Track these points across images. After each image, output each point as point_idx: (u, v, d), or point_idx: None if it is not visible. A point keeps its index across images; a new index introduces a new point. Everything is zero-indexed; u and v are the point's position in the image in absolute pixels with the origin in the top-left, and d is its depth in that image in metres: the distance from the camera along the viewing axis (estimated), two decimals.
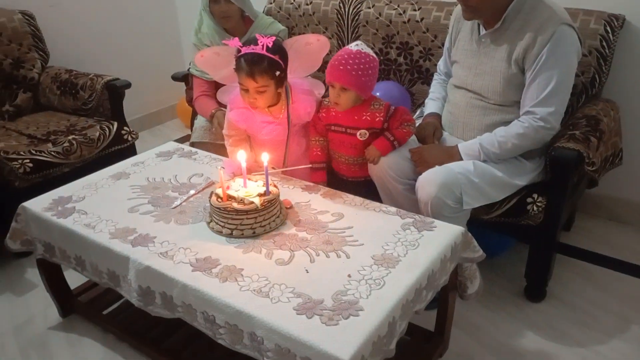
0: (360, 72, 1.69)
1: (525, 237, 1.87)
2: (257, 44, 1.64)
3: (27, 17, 2.65)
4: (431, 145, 1.84)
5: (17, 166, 2.11)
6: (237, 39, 1.69)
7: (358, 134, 1.79)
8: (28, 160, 2.15)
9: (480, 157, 1.73)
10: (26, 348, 1.79)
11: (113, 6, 3.22)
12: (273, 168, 1.78)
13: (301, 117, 1.85)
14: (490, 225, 1.83)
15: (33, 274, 1.99)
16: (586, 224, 2.32)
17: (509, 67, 1.69)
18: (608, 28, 1.93)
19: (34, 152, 2.19)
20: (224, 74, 1.80)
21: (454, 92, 1.92)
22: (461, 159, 1.74)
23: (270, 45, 1.64)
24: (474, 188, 1.68)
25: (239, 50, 1.68)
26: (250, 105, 1.76)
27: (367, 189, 1.83)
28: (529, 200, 1.75)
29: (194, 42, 2.39)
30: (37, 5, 2.75)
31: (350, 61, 1.69)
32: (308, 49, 1.79)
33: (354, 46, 1.73)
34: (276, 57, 1.66)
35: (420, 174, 1.71)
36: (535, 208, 1.73)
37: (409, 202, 1.74)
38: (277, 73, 1.67)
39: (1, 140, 2.23)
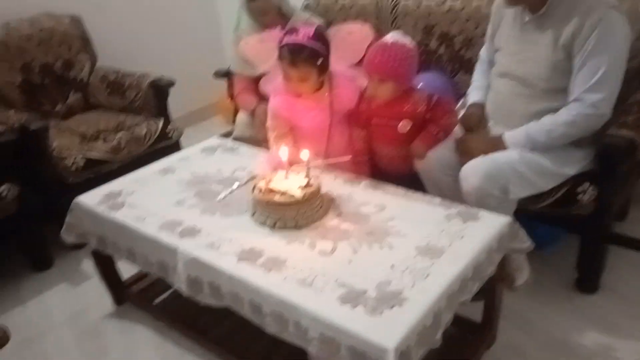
0: (396, 64, 1.67)
1: (576, 228, 1.81)
2: (298, 33, 1.65)
3: (75, 20, 2.76)
4: (476, 135, 1.81)
5: (70, 164, 2.20)
6: (278, 28, 1.71)
7: (400, 125, 1.76)
8: (80, 158, 2.24)
9: (527, 146, 1.68)
10: (81, 336, 1.87)
11: (156, 7, 3.31)
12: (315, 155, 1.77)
13: (344, 104, 1.83)
14: (539, 216, 1.78)
15: (88, 265, 2.08)
16: None
17: (555, 52, 1.64)
18: None
19: (85, 149, 2.28)
20: (268, 62, 1.80)
21: (498, 80, 1.87)
22: (506, 149, 1.70)
23: (311, 35, 1.64)
24: (520, 178, 1.63)
25: (280, 41, 1.69)
26: (293, 94, 1.76)
27: (410, 184, 1.81)
28: (580, 189, 1.69)
29: (234, 40, 2.43)
30: (84, 9, 2.85)
31: (386, 53, 1.68)
32: (351, 38, 1.78)
33: (390, 37, 1.71)
34: (318, 45, 1.66)
35: (464, 164, 1.68)
36: (586, 197, 1.67)
37: (457, 194, 1.70)
38: (319, 61, 1.67)
39: (55, 139, 2.32)
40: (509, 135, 1.71)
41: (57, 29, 2.67)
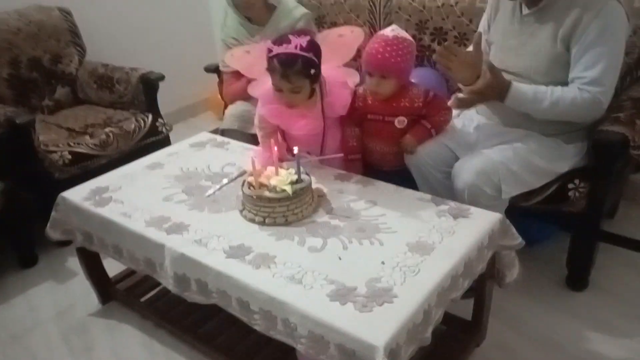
0: (399, 59, 1.64)
1: (566, 224, 1.81)
2: (289, 42, 1.56)
3: (64, 13, 2.72)
4: (496, 80, 1.59)
5: (57, 158, 2.17)
6: (268, 41, 1.62)
7: (396, 121, 1.74)
8: (67, 153, 2.21)
9: (527, 106, 1.60)
10: (68, 333, 1.84)
11: (145, 1, 3.27)
12: (308, 153, 1.75)
13: (336, 111, 1.78)
14: (530, 213, 1.77)
15: (74, 263, 2.05)
16: (631, 211, 2.23)
17: (555, 45, 1.61)
18: None
19: (72, 144, 2.25)
20: (255, 71, 1.74)
21: None
22: (503, 99, 1.60)
23: (304, 45, 1.56)
24: (512, 176, 1.62)
25: (270, 51, 1.60)
26: (285, 105, 1.68)
27: (402, 180, 1.79)
28: (571, 186, 1.68)
29: (222, 37, 2.41)
30: (74, 1, 2.81)
31: (388, 48, 1.64)
32: (341, 41, 1.75)
33: (390, 31, 1.67)
34: (310, 55, 1.57)
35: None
36: (577, 194, 1.67)
37: (447, 191, 1.69)
38: (312, 71, 1.59)
39: (41, 133, 2.28)
40: (516, 87, 1.59)
41: (46, 21, 2.63)
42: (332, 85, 1.73)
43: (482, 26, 1.91)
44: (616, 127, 1.60)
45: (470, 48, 1.95)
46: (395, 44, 1.64)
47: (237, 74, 2.41)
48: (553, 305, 1.79)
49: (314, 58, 1.59)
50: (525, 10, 1.68)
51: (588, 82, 1.56)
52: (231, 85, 2.42)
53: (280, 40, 1.58)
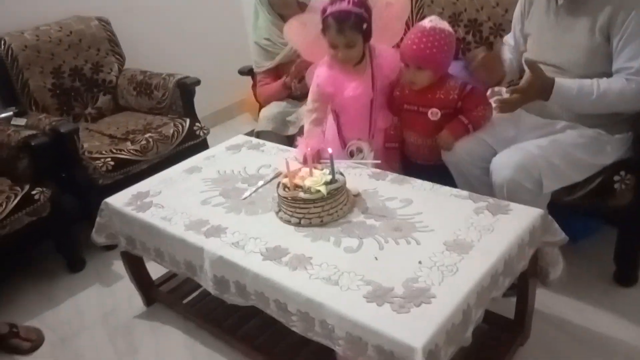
0: (435, 50, 1.64)
1: (613, 219, 1.74)
2: (342, 1, 1.66)
3: (103, 22, 2.80)
4: (538, 79, 1.55)
5: (100, 165, 2.24)
6: (327, 3, 1.72)
7: (429, 112, 1.73)
8: (110, 159, 2.28)
9: (572, 102, 1.55)
10: (114, 335, 1.90)
11: (181, 8, 3.33)
12: (359, 139, 1.82)
13: (386, 74, 1.82)
14: (573, 208, 1.71)
15: (119, 266, 2.11)
16: None
17: (593, 37, 1.56)
18: None
19: (114, 150, 2.32)
20: (312, 45, 1.83)
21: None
22: (547, 98, 1.55)
23: (355, 1, 1.66)
24: (553, 170, 1.57)
25: (324, 12, 1.70)
26: (341, 62, 1.77)
27: (438, 175, 1.77)
28: (616, 178, 1.62)
29: (254, 39, 2.45)
30: (111, 11, 2.89)
31: (424, 39, 1.64)
32: (389, 11, 1.78)
33: (428, 22, 1.67)
34: (362, 11, 1.67)
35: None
36: (623, 187, 1.60)
37: (486, 187, 1.65)
38: (364, 26, 1.68)
39: (85, 141, 2.37)
40: (560, 84, 1.54)
41: (85, 31, 2.72)
42: (380, 49, 1.80)
43: (516, 17, 1.86)
44: None
45: (508, 38, 1.91)
46: (432, 34, 1.64)
47: (271, 75, 2.44)
48: (600, 302, 1.73)
49: (365, 14, 1.68)
50: (560, 1, 1.62)
51: (635, 72, 1.50)
52: (265, 85, 2.45)
53: (333, 0, 1.69)
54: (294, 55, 2.30)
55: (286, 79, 2.35)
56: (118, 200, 1.76)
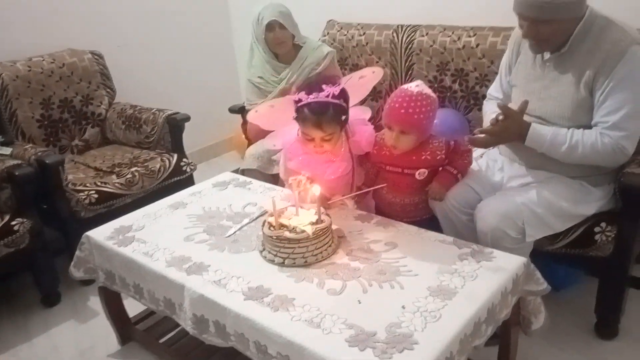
0: (422, 116, 1.58)
1: (594, 269, 1.75)
2: (319, 91, 1.56)
3: (96, 56, 2.82)
4: (516, 119, 1.63)
5: (84, 197, 2.21)
6: (297, 93, 1.63)
7: (417, 173, 1.69)
8: (94, 192, 2.25)
9: (545, 149, 1.61)
10: None
11: (175, 44, 3.39)
12: (342, 200, 1.74)
13: (363, 149, 1.76)
14: (556, 257, 1.73)
15: (95, 302, 2.06)
16: None
17: (578, 90, 1.61)
18: None
19: (99, 183, 2.30)
20: (280, 125, 1.74)
21: None
22: (523, 140, 1.62)
23: (335, 93, 1.57)
24: (536, 219, 1.60)
25: (299, 101, 1.59)
26: (316, 153, 1.67)
27: (421, 225, 1.73)
28: (597, 229, 1.64)
29: (248, 77, 2.49)
30: (106, 45, 2.93)
31: (412, 104, 1.58)
32: (362, 81, 1.78)
33: (415, 87, 1.61)
34: (340, 102, 1.58)
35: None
36: (603, 238, 1.63)
37: (472, 233, 1.66)
38: (343, 117, 1.60)
39: (70, 172, 2.35)
40: (534, 129, 1.61)
41: (78, 64, 2.74)
42: (354, 125, 1.72)
43: (502, 67, 1.91)
44: None
45: (492, 90, 1.96)
46: (419, 100, 1.58)
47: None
48: (582, 354, 1.72)
49: (344, 104, 1.60)
50: (547, 55, 1.68)
51: (609, 127, 1.55)
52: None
53: (310, 88, 1.59)
54: (286, 93, 2.35)
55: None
56: (100, 233, 1.74)
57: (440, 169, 1.73)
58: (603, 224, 1.64)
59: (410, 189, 1.74)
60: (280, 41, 2.36)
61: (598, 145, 1.56)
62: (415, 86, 1.62)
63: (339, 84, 1.61)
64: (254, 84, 2.46)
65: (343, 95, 1.61)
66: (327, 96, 1.56)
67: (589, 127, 1.60)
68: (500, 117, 1.63)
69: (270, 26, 2.32)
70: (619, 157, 1.58)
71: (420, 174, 1.70)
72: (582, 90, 1.60)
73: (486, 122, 1.83)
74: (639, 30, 1.60)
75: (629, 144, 1.56)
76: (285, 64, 2.41)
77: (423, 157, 1.69)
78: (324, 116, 1.56)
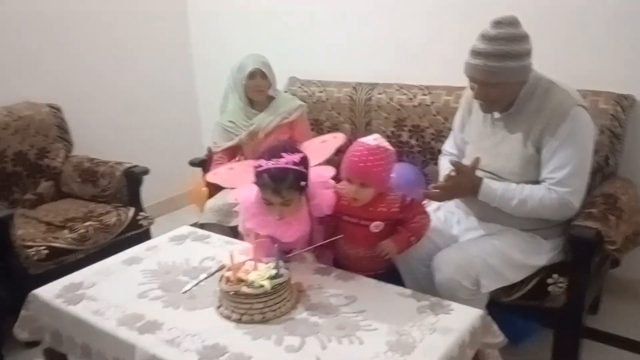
0: (380, 168, 1.62)
1: (549, 321, 1.78)
2: (279, 157, 1.56)
3: (54, 109, 2.78)
4: (468, 174, 1.69)
5: (33, 253, 2.13)
6: (255, 160, 1.63)
7: (372, 225, 1.69)
8: (44, 247, 2.17)
9: (496, 203, 1.67)
10: None
11: (136, 96, 3.38)
12: (301, 254, 1.73)
13: (323, 211, 1.74)
14: (512, 309, 1.75)
15: None
16: (614, 307, 2.21)
17: (526, 148, 1.68)
18: (618, 107, 1.95)
19: (50, 239, 2.22)
20: (238, 186, 1.74)
21: None
22: (476, 194, 1.68)
23: (295, 160, 1.57)
24: (490, 270, 1.63)
25: (258, 166, 1.58)
26: (277, 218, 1.64)
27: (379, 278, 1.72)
28: (550, 280, 1.68)
29: (219, 120, 2.56)
30: (64, 98, 2.89)
31: (371, 157, 1.61)
32: (323, 145, 1.82)
33: (372, 140, 1.65)
34: (301, 168, 1.58)
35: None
36: (556, 289, 1.67)
37: (432, 285, 1.68)
38: (302, 183, 1.59)
39: (20, 227, 2.25)
40: (486, 184, 1.67)
41: (34, 117, 2.69)
42: (315, 187, 1.70)
43: (456, 124, 1.99)
44: (590, 222, 1.64)
45: (447, 146, 2.02)
46: (377, 152, 1.61)
47: (228, 154, 2.50)
48: None
49: (304, 170, 1.60)
50: (497, 115, 1.76)
51: (556, 183, 1.62)
52: (220, 165, 2.46)
53: (269, 154, 1.58)
54: (254, 136, 2.42)
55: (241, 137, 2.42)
56: (47, 291, 1.66)
57: (398, 228, 1.72)
58: (555, 276, 1.69)
59: (365, 242, 1.73)
60: (259, 89, 2.45)
61: (546, 200, 1.62)
62: (373, 140, 1.65)
63: (299, 150, 1.62)
64: (223, 127, 2.50)
65: (303, 162, 1.60)
66: (287, 163, 1.55)
67: (538, 182, 1.67)
68: (452, 173, 1.69)
69: (253, 74, 2.41)
70: (565, 211, 1.65)
71: (376, 226, 1.69)
72: (530, 148, 1.67)
73: (441, 177, 1.87)
74: (579, 92, 1.71)
75: (574, 199, 1.63)
76: (259, 111, 2.50)
77: (379, 209, 1.69)
78: (283, 183, 1.54)
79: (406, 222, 1.71)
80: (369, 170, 1.61)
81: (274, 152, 1.58)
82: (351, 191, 1.66)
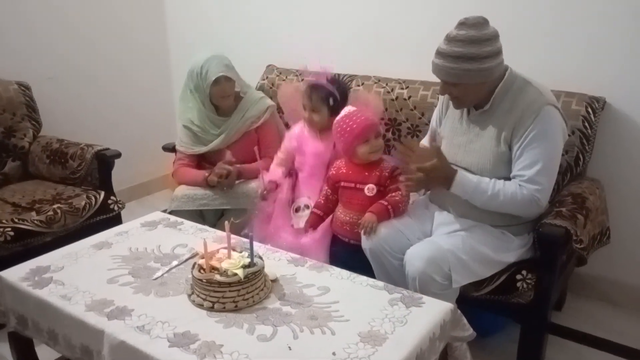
0: (374, 116, 2.02)
1: (516, 316, 1.82)
2: (320, 75, 2.17)
3: (23, 87, 2.70)
4: (445, 163, 1.72)
5: None
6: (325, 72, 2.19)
7: (366, 188, 1.90)
8: (10, 229, 2.11)
9: (469, 195, 1.70)
10: None
11: (108, 78, 3.29)
12: (308, 197, 2.14)
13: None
14: (481, 304, 1.79)
15: (4, 349, 1.89)
16: (577, 304, 2.27)
17: (498, 145, 1.71)
18: (589, 109, 1.99)
19: (16, 220, 2.16)
20: (296, 107, 2.27)
21: None
22: (449, 187, 1.70)
23: (329, 77, 2.17)
24: (461, 265, 1.65)
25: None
26: (307, 122, 2.19)
27: (361, 262, 1.80)
28: (519, 277, 1.72)
29: (183, 122, 2.42)
30: (34, 77, 2.81)
31: (363, 114, 1.96)
32: (367, 108, 2.11)
33: (351, 108, 2.00)
34: (332, 88, 2.11)
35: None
36: (524, 285, 1.70)
37: (403, 278, 1.70)
38: (331, 101, 2.10)
39: None
40: (461, 175, 1.69)
41: (2, 95, 2.60)
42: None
43: (434, 120, 2.01)
44: (558, 220, 1.67)
45: (425, 141, 2.04)
46: (362, 110, 1.99)
47: (191, 158, 2.42)
48: None
49: (335, 92, 2.12)
50: (472, 111, 1.79)
51: (526, 180, 1.65)
52: (184, 167, 2.42)
53: (318, 76, 2.19)
54: (222, 154, 2.34)
55: (208, 176, 2.28)
56: (13, 274, 1.62)
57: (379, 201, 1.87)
58: (524, 272, 1.72)
59: (361, 206, 1.90)
60: (226, 94, 2.33)
61: (518, 195, 1.65)
62: (350, 108, 2.00)
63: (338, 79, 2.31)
64: (191, 129, 2.40)
65: (340, 86, 2.20)
66: (326, 79, 2.15)
67: (509, 179, 1.70)
68: (435, 144, 1.79)
69: (217, 80, 2.28)
70: (534, 208, 1.69)
71: (369, 189, 1.91)
72: (502, 145, 1.70)
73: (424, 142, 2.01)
74: (553, 92, 1.74)
75: (542, 196, 1.67)
76: (225, 117, 2.38)
77: (373, 173, 1.93)
78: (316, 92, 2.13)
79: (388, 193, 1.89)
80: (371, 121, 1.94)
81: (321, 74, 2.17)
82: (373, 146, 1.92)
